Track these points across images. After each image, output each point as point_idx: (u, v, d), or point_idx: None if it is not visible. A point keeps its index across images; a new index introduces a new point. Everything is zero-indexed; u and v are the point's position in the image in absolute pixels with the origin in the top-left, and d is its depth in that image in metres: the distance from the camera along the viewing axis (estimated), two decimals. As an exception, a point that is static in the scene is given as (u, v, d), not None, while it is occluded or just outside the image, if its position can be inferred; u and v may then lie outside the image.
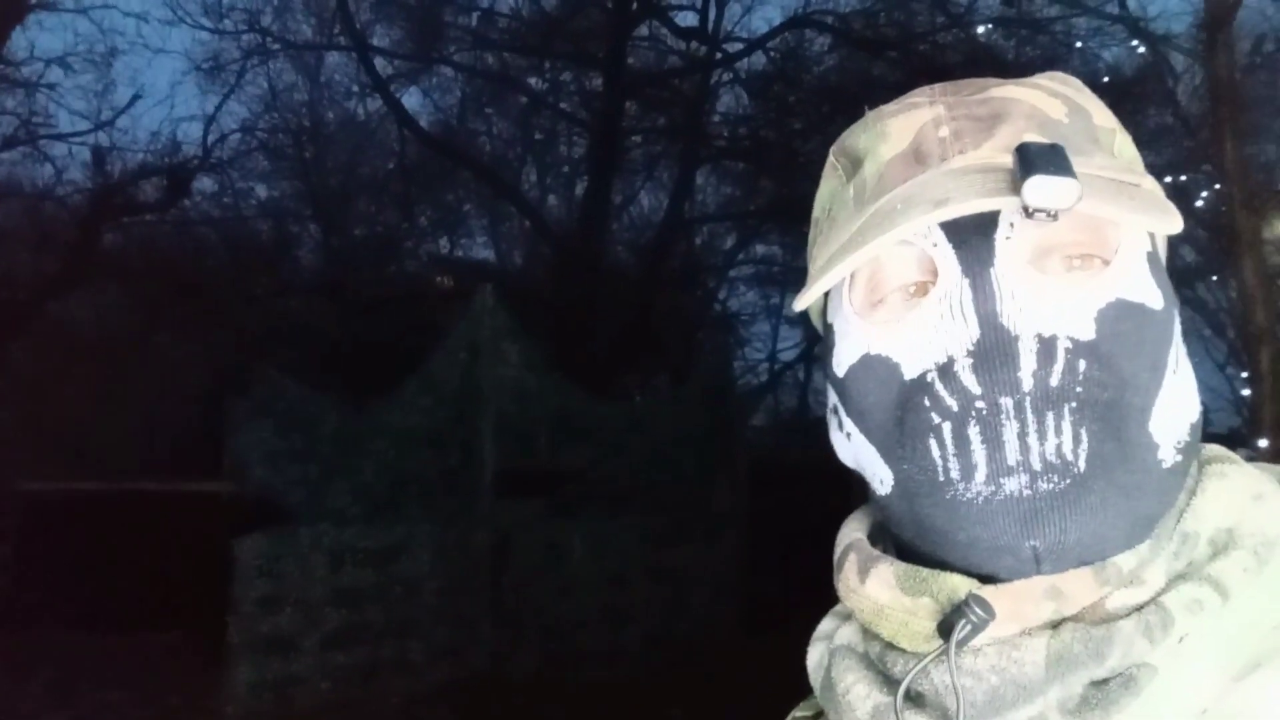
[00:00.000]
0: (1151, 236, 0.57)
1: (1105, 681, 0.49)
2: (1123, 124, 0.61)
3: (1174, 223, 0.52)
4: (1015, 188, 0.49)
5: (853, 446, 0.58)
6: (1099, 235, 0.53)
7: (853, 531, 0.60)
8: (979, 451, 0.50)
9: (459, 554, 7.08)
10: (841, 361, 0.57)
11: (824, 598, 0.66)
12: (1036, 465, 0.49)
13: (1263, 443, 5.25)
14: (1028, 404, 0.50)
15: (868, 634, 0.56)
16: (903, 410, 0.53)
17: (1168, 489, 0.53)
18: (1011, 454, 0.50)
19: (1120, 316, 0.52)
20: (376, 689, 6.35)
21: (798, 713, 0.64)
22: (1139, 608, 0.50)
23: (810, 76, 12.88)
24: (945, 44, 12.00)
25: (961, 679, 0.50)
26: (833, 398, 0.60)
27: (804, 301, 0.56)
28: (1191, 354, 0.58)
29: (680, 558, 8.08)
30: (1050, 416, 0.50)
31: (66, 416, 9.35)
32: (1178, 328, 0.56)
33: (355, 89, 14.57)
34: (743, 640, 7.74)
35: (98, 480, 8.59)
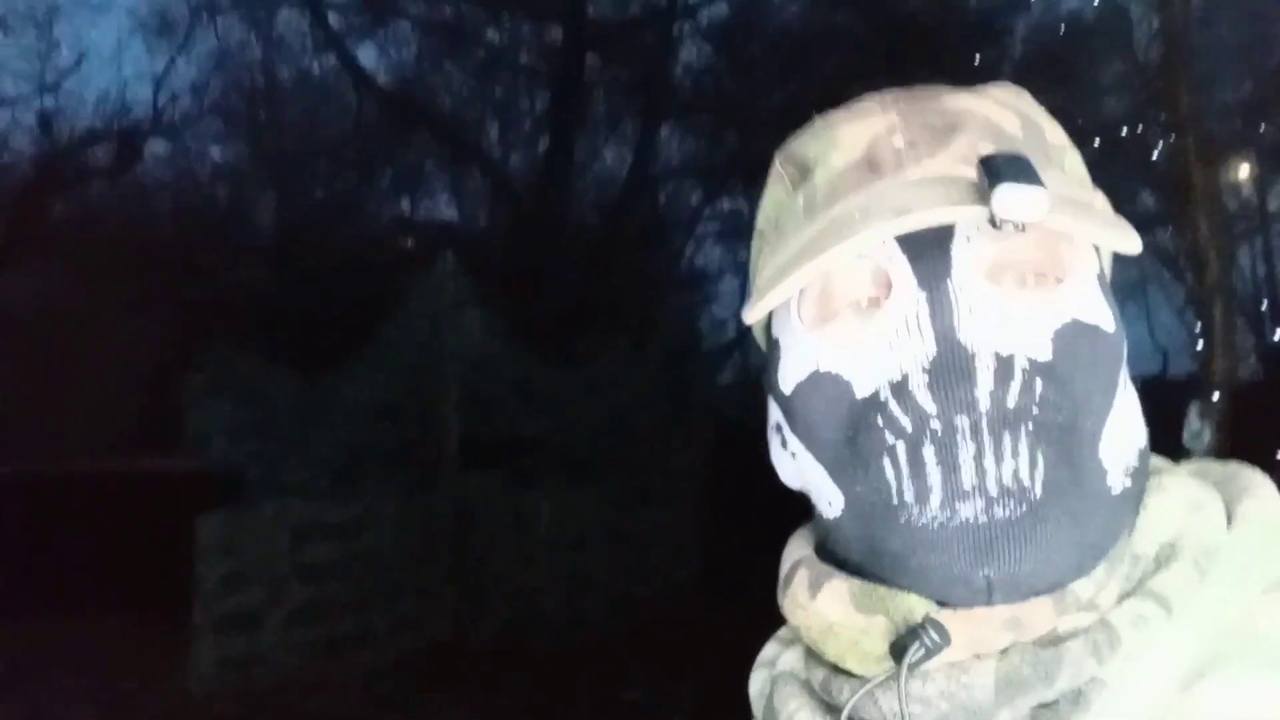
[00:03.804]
0: (1099, 256, 0.55)
1: (1055, 702, 0.48)
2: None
3: (1133, 242, 0.51)
4: (982, 198, 0.47)
5: (798, 466, 0.56)
6: (1053, 254, 0.52)
7: (800, 548, 0.58)
8: (934, 474, 0.49)
9: (422, 525, 7.05)
10: (788, 377, 0.55)
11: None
12: (993, 490, 0.48)
13: (1215, 396, 5.27)
14: (984, 424, 0.49)
15: (811, 660, 0.55)
16: (855, 430, 0.52)
17: (1118, 516, 0.52)
18: (967, 477, 0.48)
19: (1076, 337, 0.51)
20: (341, 663, 6.35)
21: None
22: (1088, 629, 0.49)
23: (772, 27, 12.66)
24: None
25: (910, 705, 0.48)
26: (776, 414, 0.57)
27: (755, 314, 0.54)
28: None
29: (643, 521, 8.10)
30: (1007, 438, 0.49)
31: (13, 395, 9.18)
32: (1125, 351, 0.55)
33: (309, 45, 14.19)
34: (705, 602, 7.80)
35: (49, 460, 8.45)
